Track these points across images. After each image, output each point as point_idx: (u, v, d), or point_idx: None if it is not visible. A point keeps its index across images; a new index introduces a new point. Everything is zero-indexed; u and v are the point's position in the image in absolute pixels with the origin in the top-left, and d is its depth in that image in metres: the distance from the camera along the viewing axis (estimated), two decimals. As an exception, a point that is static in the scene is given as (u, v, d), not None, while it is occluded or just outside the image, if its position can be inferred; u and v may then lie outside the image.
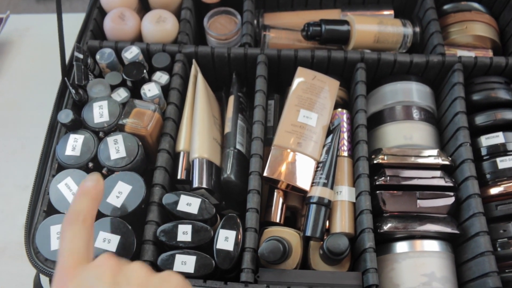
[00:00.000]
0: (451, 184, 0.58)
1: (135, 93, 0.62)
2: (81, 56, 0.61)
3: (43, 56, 0.81)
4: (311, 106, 0.61)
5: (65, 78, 0.60)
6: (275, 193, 0.60)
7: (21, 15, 0.85)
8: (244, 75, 0.68)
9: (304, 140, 0.59)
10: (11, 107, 0.77)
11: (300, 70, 0.63)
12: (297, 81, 0.62)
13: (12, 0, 1.57)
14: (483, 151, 0.62)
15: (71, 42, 0.67)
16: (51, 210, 0.56)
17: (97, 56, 0.63)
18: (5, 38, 0.83)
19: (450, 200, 0.58)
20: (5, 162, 0.72)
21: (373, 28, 0.66)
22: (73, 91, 0.59)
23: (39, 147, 0.64)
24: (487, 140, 0.62)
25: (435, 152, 0.60)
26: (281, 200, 0.60)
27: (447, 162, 0.60)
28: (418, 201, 0.58)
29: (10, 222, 0.68)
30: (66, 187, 0.56)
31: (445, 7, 0.72)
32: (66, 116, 0.58)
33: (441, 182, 0.59)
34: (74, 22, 0.76)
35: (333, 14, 0.73)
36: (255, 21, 0.72)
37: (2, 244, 0.67)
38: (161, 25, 0.66)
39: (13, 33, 0.83)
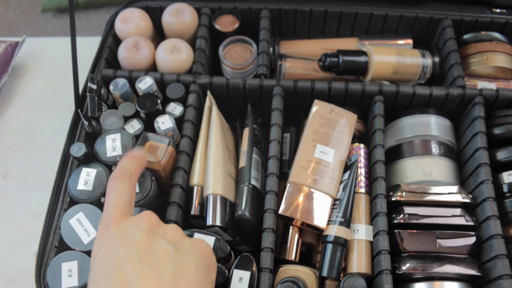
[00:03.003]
0: (472, 223, 0.57)
1: (149, 124, 0.61)
2: (94, 86, 0.61)
3: (58, 80, 0.81)
4: (328, 141, 0.59)
5: (78, 110, 0.60)
6: (291, 230, 0.58)
7: (36, 38, 0.85)
8: (259, 105, 0.66)
9: (321, 177, 0.57)
10: (24, 132, 0.77)
11: (317, 103, 0.62)
12: (313, 114, 0.61)
13: (30, 15, 1.58)
14: (505, 188, 0.60)
15: (86, 65, 0.67)
16: (63, 245, 0.55)
17: (111, 87, 0.62)
18: (20, 61, 0.82)
19: (471, 240, 0.56)
20: (18, 188, 0.72)
21: (391, 59, 0.65)
22: (86, 123, 0.59)
23: (52, 174, 0.64)
24: (509, 177, 0.60)
25: (455, 189, 0.58)
26: (296, 237, 0.58)
27: (467, 200, 0.58)
28: (438, 240, 0.56)
29: (22, 251, 0.67)
30: (77, 222, 0.55)
31: (465, 36, 0.70)
32: (78, 149, 0.57)
33: (461, 221, 0.57)
34: (89, 45, 0.76)
35: (351, 42, 0.72)
36: (271, 49, 0.71)
37: (14, 274, 0.66)
38: (175, 55, 0.65)
39: (28, 57, 0.83)
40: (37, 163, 0.74)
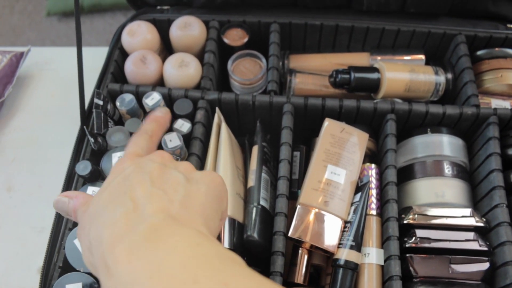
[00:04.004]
0: (485, 249, 0.55)
1: (156, 141, 0.60)
2: (101, 102, 0.59)
3: (63, 91, 0.80)
4: (339, 161, 0.58)
5: (84, 127, 0.58)
6: (300, 252, 0.57)
7: (41, 48, 0.83)
8: (268, 122, 0.65)
9: (331, 199, 0.56)
10: (29, 143, 0.75)
11: (328, 122, 0.60)
12: (324, 133, 0.59)
13: (34, 19, 1.57)
14: (520, 212, 0.58)
15: (91, 76, 0.66)
16: (67, 266, 0.54)
17: (117, 103, 0.61)
18: (25, 72, 0.81)
19: (485, 266, 0.55)
20: (21, 202, 0.71)
21: (404, 77, 0.64)
22: (92, 140, 0.58)
23: (56, 188, 0.63)
24: (524, 200, 0.59)
25: (468, 212, 0.57)
26: (305, 259, 0.57)
27: (481, 224, 0.56)
28: (451, 265, 0.55)
29: (25, 266, 0.66)
30: (82, 242, 0.54)
31: (479, 53, 0.69)
32: (84, 168, 0.56)
33: (475, 246, 0.56)
34: (95, 55, 0.75)
35: (362, 57, 0.71)
36: (280, 63, 0.70)
37: (16, 290, 0.65)
38: (183, 70, 0.64)
39: (33, 67, 0.82)
40: (41, 177, 0.73)
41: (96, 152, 0.60)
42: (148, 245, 0.30)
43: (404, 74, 0.64)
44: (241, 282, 0.28)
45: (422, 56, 0.71)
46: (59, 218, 0.57)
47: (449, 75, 0.67)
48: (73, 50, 0.85)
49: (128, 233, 0.31)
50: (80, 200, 0.40)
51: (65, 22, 1.60)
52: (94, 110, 0.59)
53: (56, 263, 0.54)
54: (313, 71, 0.69)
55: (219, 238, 0.54)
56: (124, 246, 0.30)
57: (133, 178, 0.36)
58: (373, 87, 0.64)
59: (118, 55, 0.68)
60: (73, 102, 0.74)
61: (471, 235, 0.56)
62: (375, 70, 0.64)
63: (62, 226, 0.57)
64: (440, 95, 0.66)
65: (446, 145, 0.62)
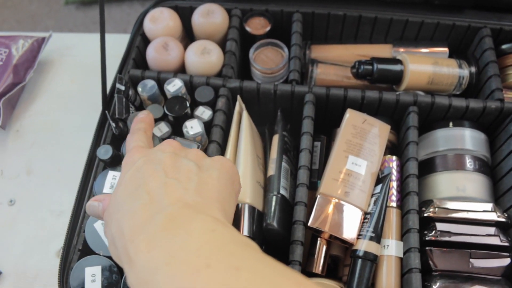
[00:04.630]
0: (506, 244, 0.55)
1: (176, 127, 0.60)
2: (122, 88, 0.60)
3: (83, 77, 0.80)
4: (360, 152, 0.58)
5: (106, 112, 0.59)
6: (318, 242, 0.57)
7: (62, 34, 0.84)
8: (289, 111, 0.65)
9: (352, 189, 0.56)
10: (48, 129, 0.76)
11: (350, 112, 0.60)
12: (346, 124, 0.59)
13: (53, 7, 1.57)
14: (542, 208, 0.58)
15: (111, 63, 0.66)
16: (86, 249, 0.54)
17: (139, 88, 0.61)
18: (46, 57, 0.82)
19: (506, 262, 0.54)
20: (40, 185, 0.71)
21: (427, 69, 0.63)
22: (113, 124, 0.58)
23: (75, 172, 0.63)
24: (546, 196, 0.58)
25: (489, 206, 0.56)
26: (324, 250, 0.57)
27: (503, 219, 0.56)
28: (471, 260, 0.54)
29: (43, 249, 0.67)
30: (102, 226, 0.54)
31: (504, 46, 0.68)
32: (105, 152, 0.56)
33: (496, 241, 0.55)
34: (115, 42, 0.75)
35: (384, 49, 0.70)
36: (302, 53, 0.70)
37: (34, 271, 0.65)
38: (205, 57, 0.64)
39: (54, 52, 0.82)
40: (60, 161, 0.73)
41: (117, 137, 0.60)
42: (166, 234, 0.31)
43: (427, 66, 0.63)
44: (253, 266, 0.29)
45: (446, 49, 0.70)
46: (79, 202, 0.57)
47: (473, 69, 0.66)
48: (94, 36, 0.86)
49: (146, 224, 0.32)
50: (107, 201, 0.41)
51: (83, 10, 1.60)
52: (116, 95, 0.59)
53: (76, 246, 0.55)
54: (335, 62, 0.68)
55: (238, 225, 0.54)
56: (143, 236, 0.31)
57: (145, 170, 0.37)
58: (396, 79, 0.63)
59: (140, 41, 0.68)
60: (92, 88, 0.74)
61: (492, 230, 0.55)
62: (398, 61, 0.63)
63: (82, 209, 0.57)
64: (463, 88, 0.65)
65: (468, 139, 0.61)
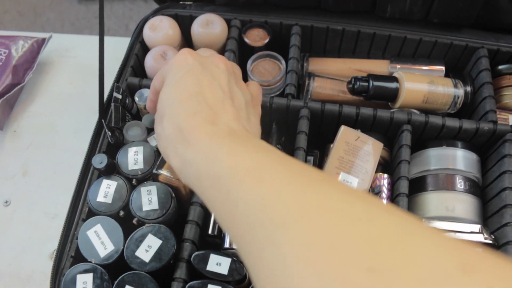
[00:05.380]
0: (492, 266, 0.56)
1: (172, 137, 0.60)
2: (119, 96, 0.60)
3: (82, 79, 0.81)
4: (352, 169, 0.58)
5: (102, 121, 0.59)
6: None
7: (62, 34, 0.84)
8: (284, 124, 0.65)
9: (342, 206, 0.56)
10: (46, 130, 0.76)
11: (343, 129, 0.60)
12: (339, 141, 0.60)
13: (54, 0, 1.57)
14: (529, 231, 0.58)
15: (110, 66, 0.67)
16: (79, 256, 0.55)
17: (136, 97, 0.62)
18: (45, 58, 0.82)
19: (490, 283, 0.55)
20: (36, 187, 0.72)
21: (423, 88, 0.63)
22: (109, 133, 0.58)
23: (71, 176, 0.64)
24: (534, 219, 0.59)
25: (477, 228, 0.57)
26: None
27: (489, 241, 0.57)
28: (456, 281, 0.55)
29: (36, 251, 0.68)
30: (95, 234, 0.55)
31: (500, 67, 0.68)
32: (100, 161, 0.57)
33: (482, 263, 0.56)
34: (115, 45, 0.76)
35: (381, 64, 0.71)
36: (299, 65, 0.70)
37: (27, 273, 0.66)
38: (203, 68, 0.64)
39: (53, 53, 0.82)
40: (56, 163, 0.74)
41: (112, 145, 0.61)
42: (227, 138, 0.35)
43: (423, 85, 0.64)
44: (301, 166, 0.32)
45: (442, 67, 0.70)
46: (73, 209, 0.58)
47: (468, 88, 0.67)
48: (94, 38, 0.86)
49: (208, 125, 0.36)
50: (151, 97, 0.47)
51: (85, 4, 1.60)
52: (112, 104, 0.59)
53: (69, 253, 0.55)
54: (332, 76, 0.69)
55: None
56: (205, 130, 0.35)
57: (202, 80, 0.39)
58: (391, 96, 0.64)
59: (139, 48, 0.68)
60: (91, 90, 0.74)
61: (478, 251, 0.56)
62: (394, 79, 0.64)
63: (76, 216, 0.58)
64: (457, 108, 0.66)
65: (460, 159, 0.62)
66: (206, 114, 0.37)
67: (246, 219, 0.29)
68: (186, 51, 0.42)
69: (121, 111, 0.60)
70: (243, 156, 0.33)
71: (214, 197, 0.33)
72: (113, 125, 0.59)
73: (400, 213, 0.26)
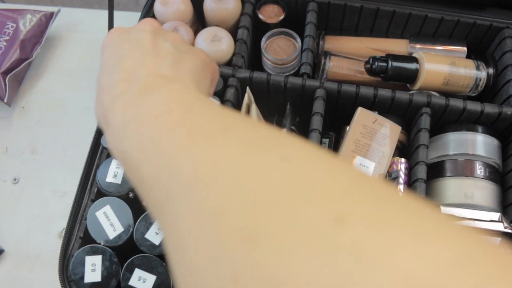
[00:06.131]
0: (511, 255, 0.54)
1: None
2: None
3: (92, 54, 0.79)
4: (368, 153, 0.57)
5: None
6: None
7: (70, 8, 0.82)
8: (299, 104, 0.63)
9: (358, 191, 0.55)
10: (55, 106, 0.75)
11: (360, 111, 0.58)
12: (356, 123, 0.58)
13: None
14: (550, 219, 0.57)
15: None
16: (88, 237, 0.54)
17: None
18: (54, 32, 0.80)
19: (509, 273, 0.54)
20: (44, 165, 0.71)
21: (444, 69, 0.61)
22: None
23: (79, 154, 0.63)
24: (556, 208, 0.57)
25: (496, 216, 0.55)
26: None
27: (509, 230, 0.55)
28: (474, 269, 0.54)
29: (45, 229, 0.67)
30: (104, 215, 0.54)
31: (525, 48, 0.65)
32: (110, 140, 0.55)
33: (500, 251, 0.54)
34: (125, 20, 0.73)
35: (400, 44, 0.68)
36: (315, 44, 0.68)
37: (35, 252, 0.66)
38: (216, 45, 0.62)
39: (62, 28, 0.80)
40: (65, 141, 0.72)
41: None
42: (140, 98, 0.32)
43: (444, 66, 0.61)
44: (208, 109, 0.30)
45: (464, 48, 0.67)
46: (82, 189, 0.56)
47: (491, 70, 0.64)
48: (103, 13, 0.84)
49: (124, 93, 0.33)
50: None
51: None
52: None
53: (77, 234, 0.55)
54: (348, 55, 0.67)
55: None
56: (120, 103, 0.33)
57: (123, 48, 0.37)
58: (410, 77, 0.61)
59: (149, 24, 0.66)
60: (100, 67, 0.73)
61: (497, 240, 0.55)
62: (414, 60, 0.61)
63: (85, 196, 0.56)
64: (479, 90, 0.63)
65: (480, 144, 0.60)
66: (122, 81, 0.35)
67: (154, 194, 0.27)
68: (113, 29, 0.41)
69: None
70: (148, 126, 0.30)
71: (130, 177, 0.31)
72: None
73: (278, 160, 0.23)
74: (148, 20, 0.41)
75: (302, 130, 0.63)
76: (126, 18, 0.77)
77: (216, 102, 0.59)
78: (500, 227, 0.55)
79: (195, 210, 0.22)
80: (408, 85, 0.63)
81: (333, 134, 0.63)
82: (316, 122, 0.58)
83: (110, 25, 0.58)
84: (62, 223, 0.67)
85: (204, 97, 0.33)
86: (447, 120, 0.62)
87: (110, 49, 0.38)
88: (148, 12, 0.66)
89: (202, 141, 0.26)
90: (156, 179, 0.27)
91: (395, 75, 0.61)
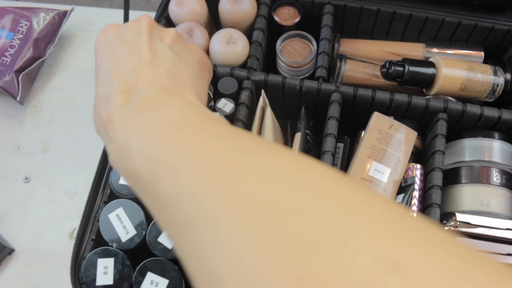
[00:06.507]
0: (528, 264, 0.53)
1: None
2: None
3: (104, 54, 0.78)
4: (383, 158, 0.56)
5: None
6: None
7: (83, 7, 0.81)
8: (313, 108, 0.63)
9: (373, 197, 0.54)
10: (67, 106, 0.75)
11: (376, 116, 0.58)
12: (371, 128, 0.57)
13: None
14: None
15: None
16: (100, 239, 0.54)
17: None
18: (67, 31, 0.80)
19: (525, 282, 0.53)
20: (56, 164, 0.71)
21: (461, 74, 0.60)
22: None
23: (91, 153, 0.63)
24: None
25: (513, 224, 0.55)
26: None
27: (526, 239, 0.54)
28: (489, 278, 0.53)
29: (56, 229, 0.67)
30: (117, 218, 0.54)
31: (543, 54, 0.65)
32: (124, 142, 0.55)
33: (516, 261, 0.54)
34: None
35: (417, 48, 0.67)
36: (331, 47, 0.67)
37: (46, 251, 0.65)
38: (231, 47, 0.61)
39: (74, 27, 0.80)
40: (77, 140, 0.72)
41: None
42: (141, 114, 0.31)
43: (461, 71, 0.60)
44: (219, 128, 0.29)
45: (481, 53, 0.67)
46: (94, 191, 0.56)
47: (508, 76, 0.63)
48: (117, 12, 0.84)
49: (122, 107, 0.32)
50: None
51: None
52: None
53: (90, 235, 0.54)
54: (364, 58, 0.66)
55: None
56: (119, 117, 0.32)
57: (118, 52, 0.36)
58: (427, 82, 0.61)
59: (164, 24, 0.66)
60: (113, 66, 0.73)
61: (513, 249, 0.54)
62: (431, 64, 0.61)
63: (98, 198, 0.56)
64: (496, 96, 0.62)
65: (497, 151, 0.59)
66: (120, 93, 0.33)
67: (173, 217, 0.26)
68: (107, 26, 0.39)
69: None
70: (155, 144, 0.29)
71: (141, 195, 0.30)
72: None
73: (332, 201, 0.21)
74: (145, 18, 0.39)
75: (317, 134, 0.63)
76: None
77: (222, 117, 0.58)
78: (516, 235, 0.54)
79: (228, 245, 0.21)
80: (424, 90, 0.63)
81: (348, 139, 0.62)
82: (332, 126, 0.58)
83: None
84: (73, 223, 0.67)
85: (209, 112, 0.32)
86: (463, 126, 0.61)
87: (104, 51, 0.37)
88: (163, 12, 0.66)
89: (221, 166, 0.25)
90: (174, 203, 0.26)
91: (412, 80, 0.61)
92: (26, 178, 0.69)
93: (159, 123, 0.30)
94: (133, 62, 0.35)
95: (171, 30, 0.40)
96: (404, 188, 0.56)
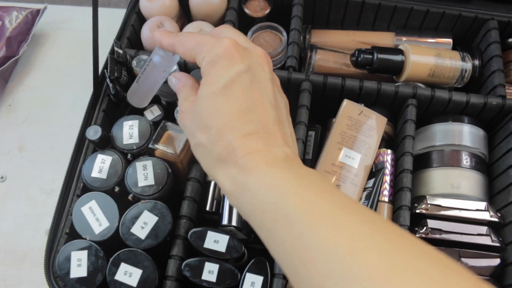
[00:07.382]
0: (497, 244, 0.54)
1: (170, 111, 0.59)
2: (121, 51, 0.58)
3: (79, 52, 0.78)
4: (354, 144, 0.56)
5: (105, 70, 0.57)
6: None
7: (57, 6, 0.81)
8: (285, 98, 0.63)
9: (344, 183, 0.55)
10: (42, 104, 0.75)
11: (346, 103, 0.58)
12: (341, 115, 0.58)
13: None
14: (537, 208, 0.57)
15: (107, 39, 0.64)
16: (73, 233, 0.54)
17: (134, 62, 0.59)
18: (40, 30, 0.80)
19: (495, 262, 0.54)
20: (32, 162, 0.71)
21: (429, 61, 0.61)
22: (110, 84, 0.56)
23: (67, 151, 0.62)
24: (542, 197, 0.57)
25: (483, 205, 0.56)
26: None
27: (495, 219, 0.55)
28: (461, 259, 0.54)
29: (33, 227, 0.67)
30: (90, 211, 0.54)
31: (510, 40, 0.66)
32: (94, 132, 0.55)
33: (487, 241, 0.54)
34: (112, 17, 0.73)
35: (386, 37, 0.68)
36: (301, 38, 0.68)
37: (23, 250, 0.65)
38: (201, 39, 0.62)
39: (49, 26, 0.80)
40: (52, 138, 0.72)
41: (108, 118, 0.59)
42: (286, 168, 0.33)
43: (430, 58, 0.61)
44: (358, 206, 0.32)
45: (450, 40, 0.68)
46: (67, 185, 0.56)
47: (476, 62, 0.64)
48: (90, 10, 0.84)
49: (265, 151, 0.34)
50: (183, 81, 0.42)
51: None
52: (108, 55, 0.57)
53: (63, 229, 0.54)
54: (335, 48, 0.67)
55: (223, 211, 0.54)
56: (263, 157, 0.34)
57: (253, 91, 0.36)
58: (396, 69, 0.62)
59: (135, 19, 0.66)
60: (88, 63, 0.72)
61: (484, 229, 0.55)
62: (400, 52, 0.62)
63: (71, 191, 0.56)
64: (465, 82, 0.63)
65: (467, 135, 0.60)
66: (260, 137, 0.35)
67: (321, 267, 0.28)
68: (229, 42, 0.37)
69: (119, 67, 0.58)
70: (310, 195, 0.31)
71: (279, 233, 0.31)
72: (108, 75, 0.56)
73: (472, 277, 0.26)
74: (264, 54, 0.39)
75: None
76: (114, 16, 0.76)
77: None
78: (486, 216, 0.55)
79: None
80: (394, 77, 0.63)
81: (319, 127, 0.63)
82: (302, 114, 0.58)
83: (95, 24, 0.57)
84: (50, 220, 0.66)
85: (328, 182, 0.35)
86: (433, 111, 0.62)
87: (235, 76, 0.36)
88: (134, 7, 0.66)
89: (364, 247, 0.27)
90: (294, 250, 0.29)
91: (381, 67, 0.61)
92: (2, 177, 0.69)
93: (309, 175, 0.33)
94: (269, 112, 0.37)
95: (277, 79, 0.42)
96: (374, 173, 0.57)
